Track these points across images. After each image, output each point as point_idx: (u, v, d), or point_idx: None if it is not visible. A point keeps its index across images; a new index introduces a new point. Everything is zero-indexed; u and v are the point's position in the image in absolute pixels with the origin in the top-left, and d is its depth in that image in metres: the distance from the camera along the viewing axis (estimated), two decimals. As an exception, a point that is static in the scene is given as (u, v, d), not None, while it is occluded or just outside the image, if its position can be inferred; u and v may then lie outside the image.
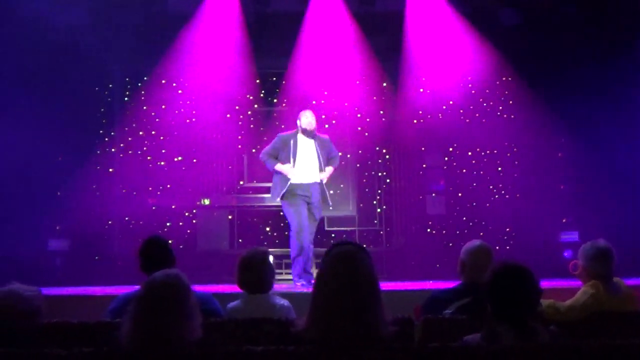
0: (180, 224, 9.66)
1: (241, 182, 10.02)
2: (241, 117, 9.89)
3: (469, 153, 9.91)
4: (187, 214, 9.77)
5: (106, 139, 9.71)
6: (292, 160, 7.27)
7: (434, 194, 10.18)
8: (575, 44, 9.20)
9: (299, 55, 9.48)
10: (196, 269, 8.85)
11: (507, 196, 9.79)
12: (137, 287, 2.74)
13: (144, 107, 9.69)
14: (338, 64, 9.54)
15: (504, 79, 9.72)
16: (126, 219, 9.60)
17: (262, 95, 10.02)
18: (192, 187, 9.85)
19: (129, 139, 9.72)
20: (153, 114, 9.69)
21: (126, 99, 9.87)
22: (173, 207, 9.74)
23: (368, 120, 9.87)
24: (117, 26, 9.03)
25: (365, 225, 10.08)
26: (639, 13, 8.80)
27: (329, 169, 7.43)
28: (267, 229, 9.82)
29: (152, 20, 9.17)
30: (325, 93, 9.79)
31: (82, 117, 9.23)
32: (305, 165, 7.31)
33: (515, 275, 2.80)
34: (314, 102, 9.73)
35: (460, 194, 9.97)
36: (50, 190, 8.99)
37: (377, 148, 10.07)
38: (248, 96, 9.85)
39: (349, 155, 9.96)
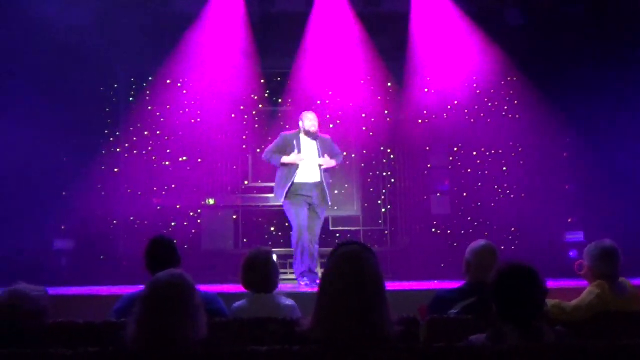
0: (185, 223, 9.68)
1: (246, 182, 10.03)
2: (246, 117, 9.90)
3: (474, 153, 9.90)
4: (191, 213, 9.79)
5: (111, 139, 9.72)
6: (297, 151, 7.27)
7: (438, 194, 10.18)
8: (580, 44, 9.18)
9: (303, 55, 9.48)
10: (201, 269, 8.86)
11: (512, 196, 9.78)
12: (143, 286, 2.74)
13: (149, 107, 9.70)
14: (343, 64, 9.54)
15: (509, 78, 9.72)
16: (131, 218, 9.61)
17: (266, 95, 10.03)
18: (197, 187, 9.86)
19: (134, 139, 9.74)
20: (158, 114, 9.71)
21: (131, 99, 9.88)
22: (178, 207, 9.75)
23: (373, 120, 9.87)
24: (122, 26, 9.03)
25: (370, 225, 10.08)
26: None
27: (327, 160, 7.36)
28: (272, 228, 9.82)
29: (157, 20, 9.18)
30: (330, 93, 9.80)
31: (87, 117, 9.25)
32: (307, 166, 7.30)
33: (521, 275, 2.80)
34: (318, 102, 9.73)
35: (465, 194, 9.96)
36: (56, 190, 9.00)
37: (382, 148, 10.07)
38: (253, 96, 9.86)
39: (353, 155, 9.96)
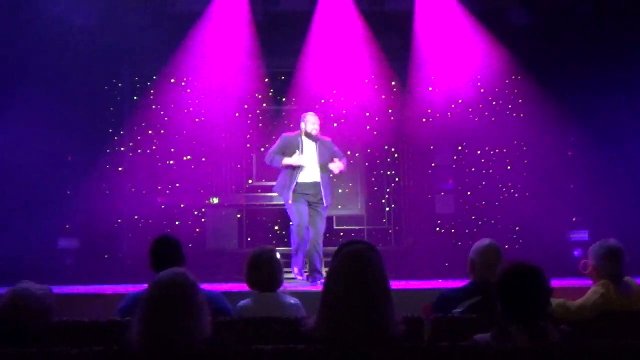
0: (190, 223, 9.68)
1: (250, 181, 10.04)
2: (250, 116, 9.90)
3: (479, 152, 9.89)
4: (196, 213, 9.80)
5: (115, 139, 9.74)
6: (299, 153, 7.27)
7: (443, 193, 10.17)
8: (585, 43, 9.16)
9: (308, 54, 9.48)
10: (205, 268, 8.90)
11: (516, 195, 9.77)
12: (147, 286, 2.74)
13: (154, 107, 9.71)
14: (347, 63, 9.54)
15: (513, 77, 9.70)
16: (135, 217, 9.62)
17: (271, 94, 10.02)
18: (201, 186, 9.87)
19: (139, 138, 9.75)
20: (162, 113, 9.72)
21: (135, 98, 9.89)
22: (182, 206, 9.77)
23: (377, 119, 9.87)
24: (126, 26, 9.04)
25: (374, 224, 10.08)
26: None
27: (338, 164, 7.34)
28: (276, 227, 9.82)
29: (161, 20, 9.18)
30: (334, 92, 9.79)
31: (92, 116, 9.27)
32: (307, 166, 7.30)
33: (526, 275, 2.79)
34: (322, 101, 9.74)
35: (469, 193, 9.96)
36: (60, 189, 9.03)
37: (386, 147, 10.06)
38: (257, 95, 9.86)
39: (357, 155, 9.96)
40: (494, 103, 9.82)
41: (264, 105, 10.00)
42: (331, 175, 7.57)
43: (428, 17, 9.44)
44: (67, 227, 9.32)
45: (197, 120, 9.72)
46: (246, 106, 9.77)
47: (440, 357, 2.52)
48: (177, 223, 9.60)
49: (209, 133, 9.72)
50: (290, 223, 7.53)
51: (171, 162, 9.74)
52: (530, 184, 9.68)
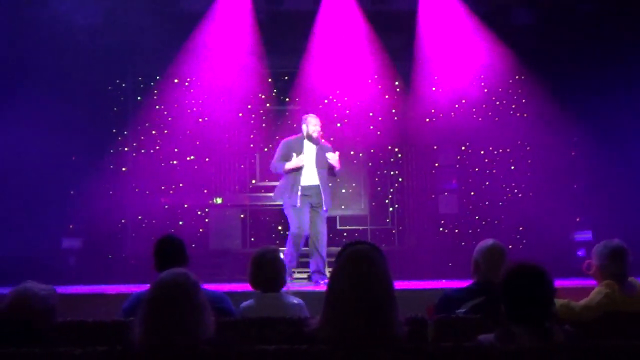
0: (193, 222, 9.69)
1: (253, 181, 10.04)
2: (253, 116, 9.91)
3: (482, 152, 9.89)
4: (199, 212, 9.81)
5: (119, 138, 9.76)
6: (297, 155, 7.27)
7: (446, 193, 10.17)
8: (588, 42, 9.15)
9: (311, 54, 9.49)
10: (209, 268, 8.90)
11: (520, 195, 9.77)
12: (151, 286, 2.74)
13: (157, 107, 9.72)
14: (350, 63, 9.54)
15: (516, 77, 9.70)
16: (139, 217, 9.64)
17: (274, 94, 10.03)
18: (205, 186, 9.89)
19: (142, 138, 9.78)
20: (165, 113, 9.74)
21: (139, 98, 9.90)
22: (185, 206, 9.78)
23: (380, 119, 9.87)
24: (129, 26, 9.05)
25: (378, 224, 10.08)
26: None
27: (335, 157, 7.33)
28: (279, 227, 9.82)
29: (165, 19, 9.18)
30: (338, 92, 9.80)
31: (96, 116, 9.28)
32: (307, 169, 7.31)
33: (529, 275, 2.78)
34: (326, 101, 9.75)
35: (472, 193, 9.96)
36: (64, 189, 9.04)
37: (390, 147, 10.06)
38: (260, 95, 9.87)
39: (361, 154, 9.97)
40: (497, 103, 9.82)
41: (267, 105, 10.00)
42: (330, 184, 7.57)
43: (431, 17, 9.44)
44: (71, 227, 9.34)
45: (200, 120, 9.73)
46: (249, 106, 9.78)
47: (444, 358, 2.51)
48: (180, 223, 9.61)
49: (212, 133, 9.73)
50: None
51: (174, 162, 9.75)
52: (534, 184, 9.67)
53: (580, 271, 4.16)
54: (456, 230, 9.85)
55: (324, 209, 7.34)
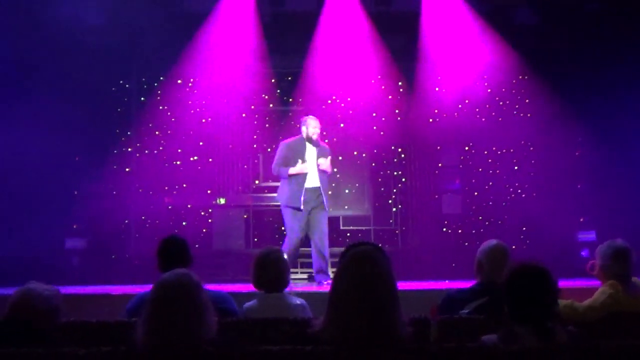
0: (196, 223, 9.70)
1: (257, 182, 10.04)
2: (256, 116, 9.91)
3: (485, 152, 9.88)
4: (202, 213, 9.81)
5: (123, 139, 9.77)
6: (301, 161, 7.31)
7: (449, 193, 10.16)
8: (591, 41, 9.14)
9: (314, 54, 9.49)
10: (212, 268, 8.91)
11: (523, 195, 9.75)
12: (155, 286, 2.74)
13: (160, 107, 9.73)
14: (354, 64, 9.54)
15: (520, 77, 9.69)
16: (142, 218, 9.65)
17: (277, 94, 10.03)
18: (208, 186, 9.89)
19: (146, 138, 9.78)
20: (169, 113, 9.75)
21: (142, 99, 9.92)
22: (189, 206, 9.78)
23: (383, 119, 9.86)
24: (133, 26, 9.08)
25: (381, 224, 10.07)
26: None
27: (327, 162, 7.36)
28: (282, 228, 9.79)
29: (168, 20, 9.20)
30: (341, 92, 9.79)
31: (99, 117, 9.29)
32: (309, 171, 7.34)
33: (533, 275, 2.78)
34: (329, 101, 9.75)
35: (476, 193, 9.94)
36: (67, 190, 9.06)
37: (393, 147, 10.05)
38: (263, 95, 9.87)
39: (364, 155, 9.97)
40: (501, 103, 9.81)
41: (271, 105, 10.00)
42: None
43: (434, 17, 9.43)
44: (75, 227, 9.35)
45: (203, 120, 9.74)
46: (253, 106, 9.79)
47: (447, 358, 2.51)
48: (183, 223, 9.62)
49: (216, 133, 9.74)
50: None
51: (178, 163, 9.76)
52: (537, 184, 9.66)
53: (584, 271, 4.15)
54: (459, 231, 9.84)
55: (326, 208, 7.36)
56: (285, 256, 4.18)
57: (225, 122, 9.72)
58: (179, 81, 9.67)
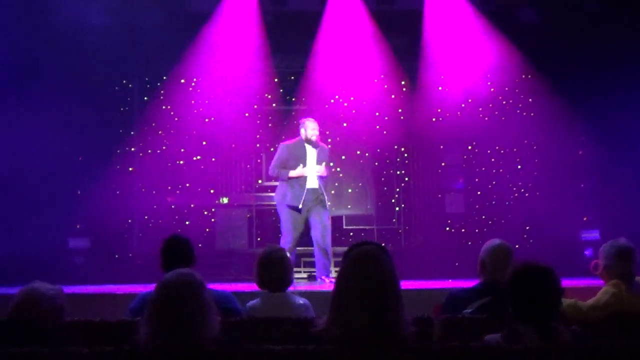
0: (199, 222, 9.70)
1: (259, 181, 10.05)
2: (259, 116, 9.92)
3: (488, 151, 9.88)
4: (205, 212, 9.82)
5: (126, 139, 9.78)
6: (302, 165, 7.33)
7: (453, 193, 10.15)
8: (594, 40, 9.13)
9: (317, 54, 9.50)
10: (215, 268, 8.91)
11: (527, 194, 9.75)
12: (158, 286, 2.74)
13: (164, 107, 9.74)
14: (356, 63, 9.55)
15: (523, 76, 9.68)
16: (146, 217, 9.67)
17: (280, 94, 10.04)
18: (211, 186, 9.91)
19: (149, 138, 9.79)
20: (172, 113, 9.76)
21: (146, 98, 9.93)
22: (192, 205, 9.79)
23: (386, 118, 9.86)
24: (136, 26, 9.09)
25: (384, 223, 10.07)
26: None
27: (324, 166, 7.37)
28: (283, 227, 9.83)
29: (171, 20, 9.21)
30: (344, 92, 9.79)
31: (102, 116, 9.31)
32: (309, 173, 7.36)
33: (536, 275, 2.78)
34: (332, 100, 9.76)
35: (479, 193, 9.94)
36: (71, 190, 9.07)
37: (396, 147, 10.06)
38: (266, 95, 9.88)
39: (367, 154, 9.98)
40: (504, 102, 9.80)
41: (274, 105, 10.01)
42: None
43: (437, 16, 9.43)
44: (78, 227, 9.37)
45: (206, 120, 9.75)
46: (256, 106, 9.80)
47: (450, 358, 2.51)
48: (186, 223, 9.63)
49: (219, 133, 9.75)
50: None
51: (181, 162, 9.77)
52: (541, 183, 9.65)
53: (588, 271, 4.15)
54: (463, 230, 9.84)
55: (327, 207, 7.40)
56: (289, 254, 4.18)
57: (228, 121, 9.72)
58: (182, 81, 9.69)
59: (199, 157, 9.83)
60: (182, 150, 9.76)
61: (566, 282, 3.18)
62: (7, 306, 3.13)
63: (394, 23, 9.55)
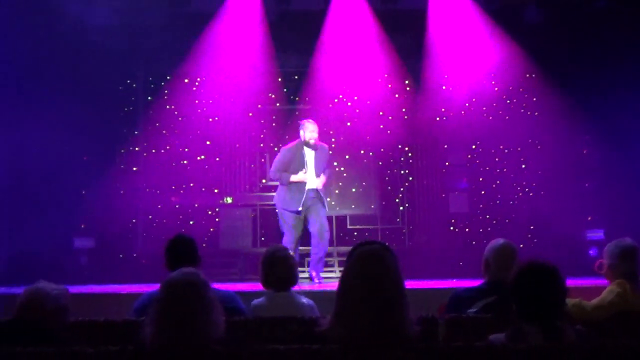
0: (203, 222, 9.71)
1: (263, 181, 10.04)
2: (263, 115, 9.91)
3: (493, 150, 9.86)
4: (209, 212, 9.82)
5: (130, 138, 9.79)
6: (304, 170, 7.40)
7: (457, 192, 10.14)
8: (599, 39, 9.11)
9: (321, 53, 9.49)
10: (219, 268, 8.93)
11: (531, 194, 9.74)
12: (162, 285, 2.75)
13: (167, 106, 9.75)
14: (360, 62, 9.54)
15: (527, 76, 9.65)
16: (150, 217, 9.68)
17: (284, 93, 10.03)
18: (215, 185, 9.91)
19: (152, 138, 9.79)
20: (176, 113, 9.76)
21: (149, 98, 9.94)
22: (196, 205, 9.79)
23: (390, 118, 9.86)
24: (140, 26, 9.10)
25: (388, 223, 10.07)
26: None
27: (322, 178, 7.49)
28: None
29: (175, 19, 9.22)
30: (348, 91, 9.79)
31: (106, 116, 9.32)
32: (308, 174, 7.43)
33: (541, 274, 2.77)
34: (336, 100, 9.76)
35: (483, 192, 9.92)
36: (75, 189, 9.09)
37: (400, 146, 10.04)
38: (270, 94, 9.88)
39: (371, 154, 9.97)
40: (508, 101, 9.78)
41: (277, 104, 10.01)
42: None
43: (441, 16, 9.42)
44: (82, 226, 9.37)
45: (210, 120, 9.76)
46: (259, 105, 9.80)
47: (455, 357, 2.51)
48: (191, 222, 9.64)
49: (223, 133, 9.77)
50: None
51: (185, 162, 9.78)
52: (545, 183, 9.63)
53: (592, 270, 4.14)
54: (467, 230, 9.82)
55: (325, 206, 7.51)
56: (292, 252, 4.19)
57: (232, 121, 9.73)
58: (186, 80, 9.70)
59: (203, 157, 9.83)
60: (186, 150, 9.77)
61: (571, 282, 3.18)
62: (12, 306, 3.14)
63: (398, 22, 9.54)
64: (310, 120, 7.58)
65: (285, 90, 10.04)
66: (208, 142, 9.79)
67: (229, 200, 9.93)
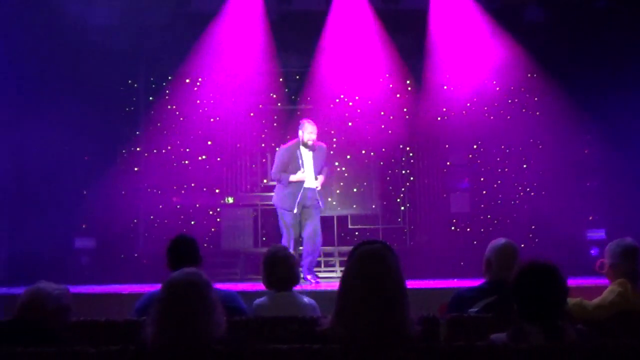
0: (205, 222, 9.71)
1: (265, 181, 10.04)
2: (264, 115, 9.91)
3: (494, 150, 9.86)
4: (211, 212, 9.82)
5: (131, 139, 9.79)
6: (302, 170, 7.42)
7: (458, 192, 10.14)
8: (600, 39, 9.10)
9: (322, 53, 9.49)
10: (220, 267, 8.93)
11: (532, 194, 9.73)
12: (164, 285, 2.75)
13: (169, 106, 9.75)
14: (362, 62, 9.54)
15: (529, 75, 9.65)
16: (151, 217, 9.68)
17: (285, 93, 10.04)
18: (216, 185, 9.91)
19: (154, 138, 9.79)
20: (177, 113, 9.77)
21: (151, 98, 9.94)
22: (197, 205, 9.80)
23: (392, 118, 9.85)
24: (141, 26, 9.10)
25: (389, 223, 10.07)
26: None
27: (321, 178, 7.52)
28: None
29: (176, 20, 9.23)
30: (349, 91, 9.79)
31: (108, 117, 9.32)
32: (306, 174, 7.46)
33: (542, 274, 2.77)
34: (337, 100, 9.75)
35: (484, 192, 9.92)
36: (77, 189, 9.10)
37: (401, 146, 10.04)
38: (271, 94, 9.88)
39: (372, 154, 9.97)
40: (510, 101, 9.78)
41: (279, 104, 10.01)
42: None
43: (443, 15, 9.42)
44: (84, 226, 9.38)
45: (211, 120, 9.76)
46: (261, 105, 9.80)
47: (456, 357, 2.51)
48: (192, 223, 9.64)
49: (224, 132, 9.77)
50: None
51: (186, 162, 9.78)
52: (546, 182, 9.63)
53: (593, 270, 4.14)
54: (468, 229, 9.82)
55: (321, 206, 7.53)
56: (292, 251, 4.19)
57: (233, 121, 9.74)
58: (187, 81, 9.69)
59: (204, 157, 9.83)
60: (188, 150, 9.77)
61: (572, 282, 3.18)
62: (14, 306, 3.14)
63: (399, 22, 9.54)
64: (309, 120, 7.58)
65: (286, 90, 10.04)
66: (209, 142, 9.79)
67: (230, 200, 9.93)
